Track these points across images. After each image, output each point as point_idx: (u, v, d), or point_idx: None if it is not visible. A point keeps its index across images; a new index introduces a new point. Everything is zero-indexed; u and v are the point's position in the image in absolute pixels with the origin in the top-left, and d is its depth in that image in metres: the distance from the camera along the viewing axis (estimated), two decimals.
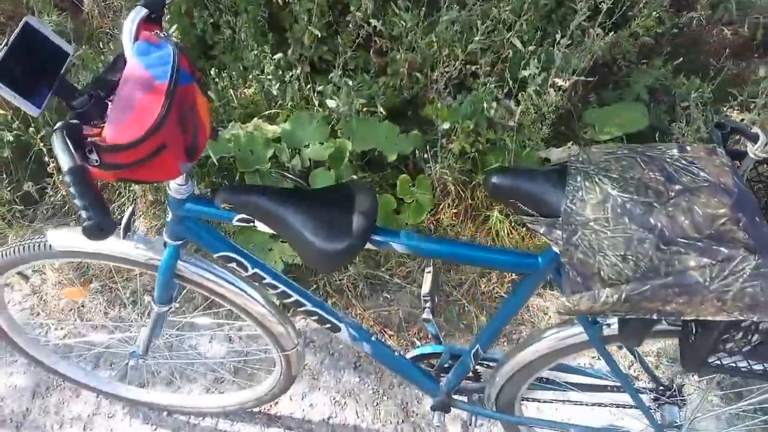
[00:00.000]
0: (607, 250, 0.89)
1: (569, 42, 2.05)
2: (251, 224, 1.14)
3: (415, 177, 2.31)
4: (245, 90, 2.52)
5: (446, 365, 1.47)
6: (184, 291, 1.44)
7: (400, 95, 2.41)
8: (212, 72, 2.35)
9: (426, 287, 1.35)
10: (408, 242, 1.11)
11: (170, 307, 1.36)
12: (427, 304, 1.39)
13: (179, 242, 1.23)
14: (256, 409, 1.86)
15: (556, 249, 0.95)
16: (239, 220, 1.15)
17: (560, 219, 0.93)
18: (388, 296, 2.19)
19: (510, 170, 0.99)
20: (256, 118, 2.37)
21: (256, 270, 1.25)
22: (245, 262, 1.24)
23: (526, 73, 2.15)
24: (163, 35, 0.95)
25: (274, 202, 1.09)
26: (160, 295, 1.32)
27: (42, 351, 1.72)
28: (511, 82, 2.18)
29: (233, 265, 1.24)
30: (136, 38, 0.95)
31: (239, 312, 1.39)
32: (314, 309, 1.32)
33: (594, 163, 0.94)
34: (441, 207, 2.34)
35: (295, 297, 1.30)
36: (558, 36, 2.03)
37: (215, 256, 1.23)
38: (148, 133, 0.87)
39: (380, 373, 1.97)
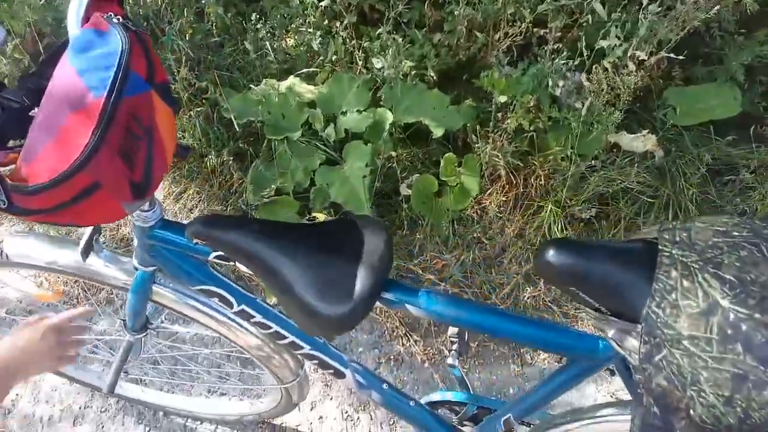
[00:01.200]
0: (705, 384, 0.61)
1: (659, 9, 1.67)
2: (230, 263, 0.90)
3: (463, 156, 2.01)
4: (285, 41, 2.23)
5: (472, 414, 1.23)
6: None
7: (455, 57, 2.08)
8: (253, 17, 2.07)
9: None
10: (428, 305, 0.85)
11: (145, 334, 1.14)
12: (454, 346, 1.14)
13: (151, 268, 1.00)
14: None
15: (630, 361, 0.68)
16: (217, 257, 0.90)
17: (640, 326, 0.65)
18: None
19: (574, 244, 0.70)
20: (292, 76, 2.10)
21: (243, 306, 1.01)
22: (230, 298, 1.00)
23: (604, 43, 1.79)
24: (117, 20, 0.68)
25: (258, 242, 0.83)
26: (132, 323, 1.10)
27: None
28: (585, 53, 1.82)
29: (216, 300, 1.00)
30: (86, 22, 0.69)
31: (229, 340, 1.17)
32: (314, 353, 1.08)
33: (698, 251, 0.64)
34: (488, 192, 2.04)
35: (291, 338, 1.06)
36: (645, 1, 1.66)
37: (193, 289, 1.00)
38: (72, 171, 0.62)
39: (402, 386, 1.75)
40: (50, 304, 1.88)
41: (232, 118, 1.97)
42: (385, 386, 1.16)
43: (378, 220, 0.87)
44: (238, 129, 1.98)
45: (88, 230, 0.96)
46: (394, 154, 2.02)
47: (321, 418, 1.69)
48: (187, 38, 2.05)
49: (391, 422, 1.68)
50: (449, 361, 1.13)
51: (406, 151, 2.09)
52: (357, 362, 1.14)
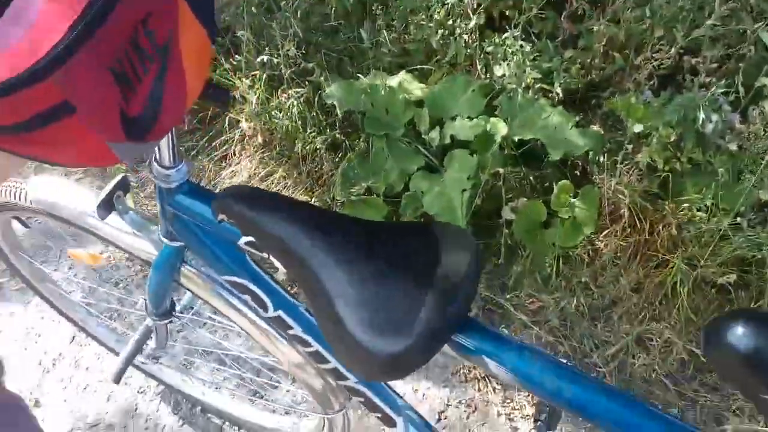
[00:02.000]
0: None
1: None
2: (263, 255, 0.69)
3: (580, 186, 1.72)
4: (404, 35, 2.05)
5: None
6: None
7: (586, 76, 1.81)
8: (374, 6, 1.91)
9: None
10: (517, 365, 0.60)
11: (169, 321, 0.96)
12: (542, 416, 0.88)
13: (178, 243, 0.82)
14: None
15: None
16: (248, 244, 0.70)
17: None
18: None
19: None
20: (404, 71, 1.91)
21: (280, 312, 0.80)
22: (264, 298, 0.79)
23: (766, 81, 1.47)
24: None
25: (298, 233, 0.62)
26: (153, 305, 0.92)
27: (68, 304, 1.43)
28: (742, 90, 1.51)
29: (248, 297, 0.80)
30: None
31: (266, 350, 0.97)
32: (360, 388, 0.85)
33: None
34: (605, 233, 1.74)
35: (335, 364, 0.84)
36: None
37: (222, 279, 0.80)
38: (30, 75, 0.42)
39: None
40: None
41: (335, 103, 1.80)
42: None
43: (465, 231, 0.63)
44: (339, 114, 1.81)
45: (111, 183, 0.79)
46: (501, 171, 1.77)
47: None
48: (299, 17, 1.91)
49: None
50: None
51: (515, 170, 1.83)
52: (414, 411, 0.90)
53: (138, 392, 1.58)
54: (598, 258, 1.72)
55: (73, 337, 1.68)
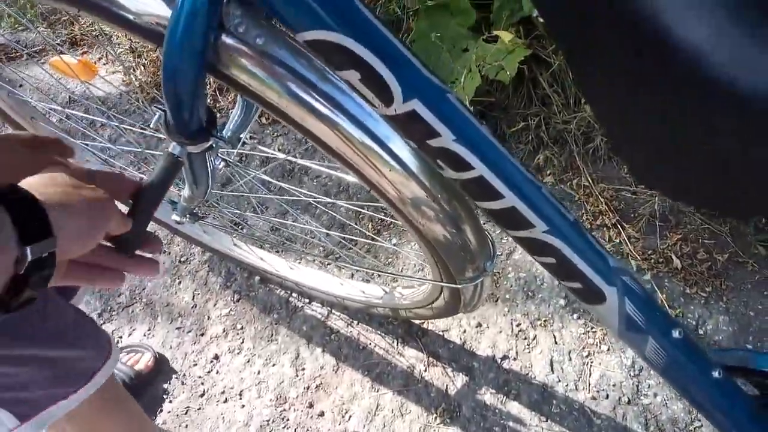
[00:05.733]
0: None
1: None
2: None
3: None
4: None
5: None
6: (255, 112, 0.65)
7: None
8: None
9: None
10: None
11: (209, 144, 0.57)
12: None
13: None
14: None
15: None
16: None
17: None
18: None
19: None
20: None
21: (415, 104, 0.41)
22: (389, 77, 0.40)
23: None
24: None
25: None
26: (177, 111, 0.52)
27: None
28: None
29: (353, 74, 0.41)
30: None
31: (368, 184, 0.59)
32: (556, 242, 0.47)
33: None
34: None
35: (510, 200, 0.45)
36: None
37: (301, 37, 0.40)
38: None
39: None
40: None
41: None
42: (677, 333, 0.54)
43: None
44: None
45: None
46: None
47: (480, 326, 1.13)
48: None
49: (585, 353, 1.09)
50: None
51: None
52: (632, 277, 0.52)
53: (180, 261, 1.26)
54: None
55: None
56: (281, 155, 1.27)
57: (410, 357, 1.10)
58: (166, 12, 0.49)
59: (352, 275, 1.18)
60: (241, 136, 0.67)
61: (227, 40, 0.47)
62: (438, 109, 0.42)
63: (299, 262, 1.20)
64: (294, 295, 1.19)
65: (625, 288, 0.52)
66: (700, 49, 0.23)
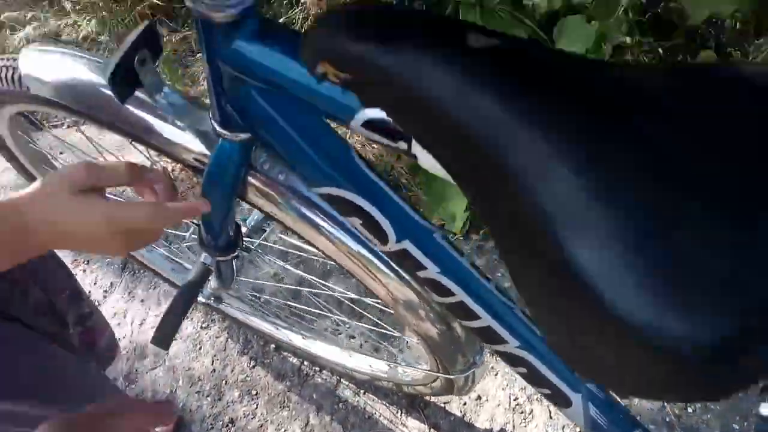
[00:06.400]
0: None
1: None
2: (401, 147, 0.37)
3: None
4: None
5: None
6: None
7: None
8: None
9: None
10: None
11: (235, 255, 0.67)
12: None
13: (244, 135, 0.51)
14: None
15: None
16: (369, 125, 0.38)
17: None
18: None
19: None
20: None
21: (406, 245, 0.50)
22: (385, 224, 0.49)
23: None
24: None
25: (512, 95, 0.29)
26: (210, 231, 0.62)
27: None
28: None
29: (356, 221, 0.50)
30: None
31: (373, 293, 0.68)
32: (528, 357, 0.55)
33: None
34: None
35: (487, 322, 0.54)
36: None
37: (314, 191, 0.50)
38: None
39: None
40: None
41: None
42: None
43: None
44: None
45: (129, 38, 0.45)
46: (628, 41, 1.40)
47: (480, 398, 1.20)
48: None
49: (578, 429, 1.14)
50: (763, 411, 0.57)
51: (644, 39, 1.45)
52: (596, 385, 0.60)
53: (201, 328, 1.35)
54: None
55: (125, 265, 1.45)
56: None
57: (413, 428, 1.17)
58: (201, 148, 0.59)
59: (361, 345, 1.26)
60: (264, 227, 0.77)
61: (254, 176, 0.57)
62: (425, 247, 0.51)
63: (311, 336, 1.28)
64: (306, 363, 1.27)
65: (589, 394, 0.59)
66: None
